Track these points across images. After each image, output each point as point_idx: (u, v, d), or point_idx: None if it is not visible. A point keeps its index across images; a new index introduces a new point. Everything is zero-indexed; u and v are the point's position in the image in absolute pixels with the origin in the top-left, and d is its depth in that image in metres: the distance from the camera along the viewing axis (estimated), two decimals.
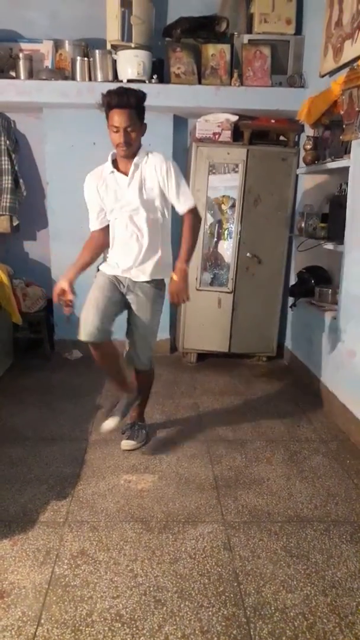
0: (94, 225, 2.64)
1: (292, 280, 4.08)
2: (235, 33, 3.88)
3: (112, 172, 2.51)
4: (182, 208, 2.53)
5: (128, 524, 2.19)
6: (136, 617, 1.72)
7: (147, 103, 3.76)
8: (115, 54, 3.77)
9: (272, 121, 3.93)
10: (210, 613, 1.74)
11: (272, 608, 1.76)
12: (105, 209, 2.58)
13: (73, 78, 3.83)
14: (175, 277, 2.52)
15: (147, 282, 2.59)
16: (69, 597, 1.80)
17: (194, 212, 2.55)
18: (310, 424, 3.18)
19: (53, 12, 4.00)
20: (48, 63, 3.87)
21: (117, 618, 1.71)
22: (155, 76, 3.78)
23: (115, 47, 3.78)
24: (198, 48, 3.86)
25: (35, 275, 4.32)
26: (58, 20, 4.00)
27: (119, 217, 2.55)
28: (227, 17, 3.85)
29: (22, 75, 3.78)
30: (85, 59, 3.81)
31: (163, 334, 4.39)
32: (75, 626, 1.68)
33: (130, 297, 2.62)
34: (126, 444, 2.80)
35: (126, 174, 2.50)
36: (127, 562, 1.97)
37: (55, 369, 4.07)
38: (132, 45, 3.73)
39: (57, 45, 3.89)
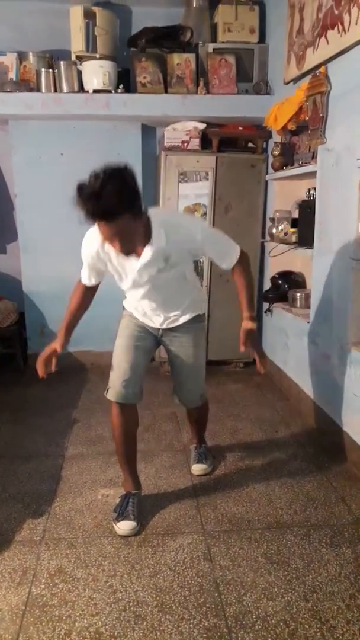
0: (84, 279, 2.25)
1: (266, 286, 4.10)
2: (200, 42, 3.91)
3: (118, 254, 2.02)
4: (228, 266, 2.17)
5: (106, 539, 2.15)
6: (116, 634, 1.68)
7: (114, 113, 3.84)
8: (80, 64, 3.76)
9: (240, 128, 3.97)
10: (191, 625, 1.71)
11: (254, 617, 1.74)
12: (106, 272, 2.20)
13: (38, 90, 3.80)
14: (247, 325, 2.17)
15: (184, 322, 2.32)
16: (47, 617, 1.75)
17: (240, 258, 2.17)
18: (288, 428, 3.18)
19: (16, 24, 3.98)
20: (12, 75, 3.83)
21: (97, 636, 1.67)
22: (121, 86, 3.78)
23: (80, 58, 3.77)
24: (163, 57, 3.87)
25: (6, 290, 4.26)
26: (22, 32, 3.98)
27: (133, 291, 2.21)
28: (191, 27, 3.87)
29: None
30: (50, 70, 3.79)
31: None
32: None
33: (167, 339, 2.34)
34: (198, 468, 2.63)
35: (136, 254, 2.03)
36: (106, 578, 1.93)
37: (29, 384, 3.99)
38: (97, 55, 3.73)
39: (21, 57, 3.86)
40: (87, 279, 2.24)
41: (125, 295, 2.33)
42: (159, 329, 2.32)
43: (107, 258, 2.10)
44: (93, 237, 2.05)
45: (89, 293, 2.29)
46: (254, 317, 2.20)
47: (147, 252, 2.00)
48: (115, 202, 1.72)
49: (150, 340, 2.33)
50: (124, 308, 2.37)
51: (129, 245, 1.92)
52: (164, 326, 2.29)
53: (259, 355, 2.22)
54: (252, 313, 2.20)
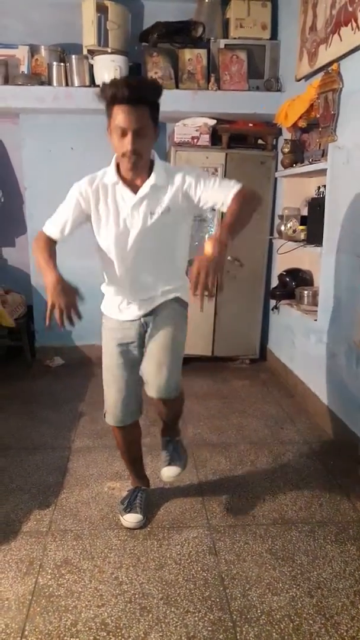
0: (54, 231, 1.99)
1: (274, 283, 4.10)
2: (212, 38, 3.89)
3: (117, 183, 1.93)
4: (227, 199, 1.88)
5: (112, 532, 2.17)
6: (121, 625, 1.70)
7: None
8: (92, 59, 3.76)
9: (250, 125, 3.96)
10: (196, 618, 1.73)
11: (258, 611, 1.76)
12: (84, 222, 2.01)
13: (49, 83, 3.80)
14: (207, 249, 1.71)
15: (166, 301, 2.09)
16: (53, 607, 1.77)
17: (242, 189, 1.89)
18: (293, 425, 3.19)
19: (28, 18, 3.97)
20: (24, 68, 3.83)
21: (103, 627, 1.69)
22: None
23: (91, 52, 3.77)
24: (175, 53, 3.87)
25: (14, 282, 4.28)
26: (34, 26, 3.98)
27: (117, 248, 1.97)
28: (202, 22, 3.86)
29: None
30: (62, 64, 3.79)
31: None
32: (60, 637, 1.65)
33: (148, 326, 2.09)
34: (168, 472, 2.18)
35: (134, 188, 1.92)
36: (112, 570, 1.95)
37: (37, 377, 4.03)
38: (109, 50, 3.73)
39: (33, 50, 3.86)
40: (60, 228, 1.99)
41: (105, 278, 2.12)
42: (140, 319, 2.09)
43: (96, 199, 1.96)
44: (85, 183, 1.96)
45: (54, 248, 2.00)
46: (224, 242, 1.73)
47: (146, 185, 1.91)
48: (148, 90, 1.79)
49: (135, 348, 2.10)
50: (102, 314, 2.19)
51: (139, 147, 1.81)
52: (144, 311, 2.07)
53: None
54: (225, 237, 1.76)
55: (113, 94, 1.75)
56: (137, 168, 1.87)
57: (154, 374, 2.00)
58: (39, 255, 1.95)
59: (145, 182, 1.91)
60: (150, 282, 2.04)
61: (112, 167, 1.95)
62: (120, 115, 1.76)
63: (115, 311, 2.11)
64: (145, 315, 2.08)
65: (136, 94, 1.75)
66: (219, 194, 1.90)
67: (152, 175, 1.91)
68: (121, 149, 1.82)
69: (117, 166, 1.94)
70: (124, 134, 1.79)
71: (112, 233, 1.96)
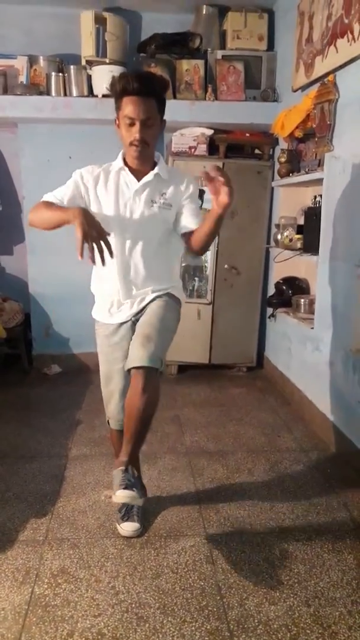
0: (53, 200, 1.99)
1: (270, 291, 4.11)
2: (209, 49, 3.94)
3: (123, 169, 2.02)
4: (194, 226, 2.04)
5: (109, 540, 2.16)
6: (118, 635, 1.69)
7: None
8: (90, 69, 3.79)
9: (247, 135, 3.99)
10: (193, 628, 1.72)
11: (256, 621, 1.75)
12: (95, 213, 1.98)
13: (48, 93, 3.83)
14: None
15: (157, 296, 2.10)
16: (50, 617, 1.76)
17: None
18: (290, 433, 3.19)
19: (27, 28, 4.01)
20: (23, 78, 3.86)
21: (99, 637, 1.68)
22: None
23: (90, 63, 3.81)
24: (172, 63, 3.90)
25: (12, 290, 4.29)
26: (32, 36, 4.01)
27: (117, 232, 1.99)
28: (200, 34, 3.90)
29: None
30: (60, 74, 3.82)
31: None
32: None
33: (139, 319, 2.09)
34: (124, 494, 1.84)
35: (138, 176, 2.02)
36: (109, 579, 1.94)
37: (34, 385, 4.02)
38: (107, 60, 3.76)
39: (32, 60, 3.89)
40: (59, 199, 2.00)
41: (98, 274, 2.13)
42: (131, 319, 2.10)
43: (96, 182, 2.02)
44: (90, 170, 2.05)
45: None
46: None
47: (151, 174, 2.03)
48: (157, 84, 1.93)
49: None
50: (95, 321, 2.21)
51: (146, 136, 1.93)
52: (135, 309, 2.08)
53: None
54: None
55: (124, 87, 1.88)
56: (143, 157, 1.99)
57: (139, 347, 1.90)
58: (47, 209, 1.94)
59: (150, 172, 2.03)
60: (144, 277, 2.06)
61: (118, 158, 2.06)
62: (129, 106, 1.89)
63: (106, 316, 2.15)
64: (136, 314, 2.10)
65: (145, 87, 1.88)
66: (193, 216, 2.06)
67: (156, 167, 2.04)
68: (129, 138, 1.94)
69: (123, 160, 2.05)
70: (132, 123, 1.91)
71: (112, 216, 2.02)
